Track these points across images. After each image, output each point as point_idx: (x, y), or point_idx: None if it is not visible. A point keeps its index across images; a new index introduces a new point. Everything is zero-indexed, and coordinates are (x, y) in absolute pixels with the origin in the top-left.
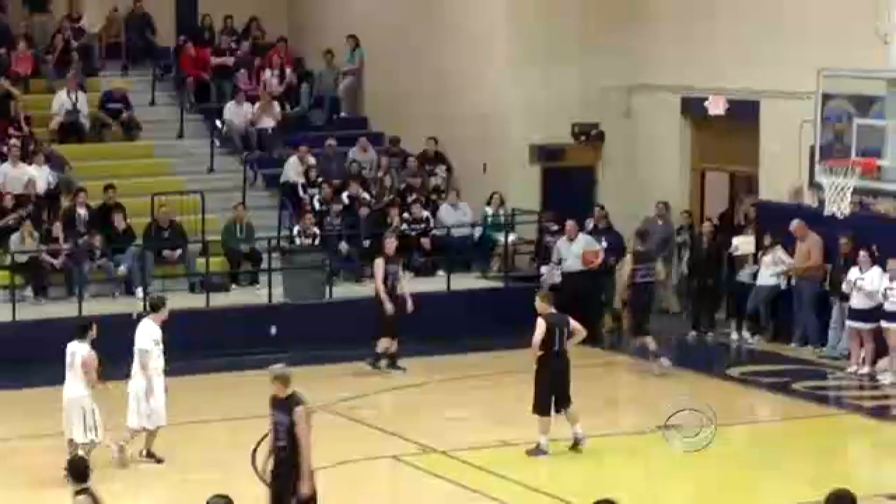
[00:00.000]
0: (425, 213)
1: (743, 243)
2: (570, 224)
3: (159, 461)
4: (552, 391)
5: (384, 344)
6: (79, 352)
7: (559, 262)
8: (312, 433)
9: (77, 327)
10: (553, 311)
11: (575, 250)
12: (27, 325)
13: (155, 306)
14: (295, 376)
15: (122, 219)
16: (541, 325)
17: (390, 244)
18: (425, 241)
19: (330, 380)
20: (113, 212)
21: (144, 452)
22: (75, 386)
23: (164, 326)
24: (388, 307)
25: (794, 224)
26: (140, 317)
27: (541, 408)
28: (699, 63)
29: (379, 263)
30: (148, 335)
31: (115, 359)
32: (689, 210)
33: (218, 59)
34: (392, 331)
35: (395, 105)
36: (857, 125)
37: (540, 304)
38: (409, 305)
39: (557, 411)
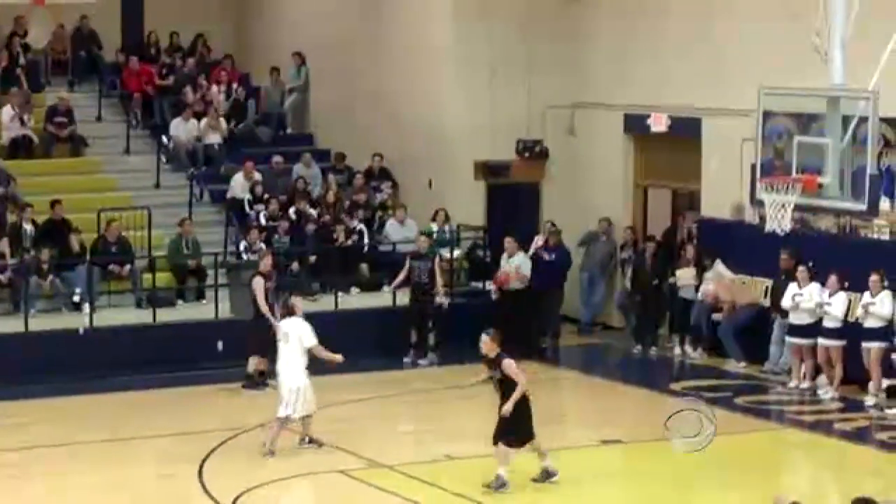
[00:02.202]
0: (358, 225)
1: (686, 276)
2: (507, 241)
3: (319, 444)
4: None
5: (255, 363)
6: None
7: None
8: None
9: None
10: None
11: (511, 267)
12: None
13: (293, 309)
14: (242, 392)
15: (76, 241)
16: (512, 363)
17: (266, 262)
18: (357, 252)
19: (276, 395)
20: (65, 231)
21: (271, 444)
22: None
23: None
24: (276, 325)
25: (708, 289)
26: (86, 331)
27: (521, 441)
28: (641, 81)
29: (259, 282)
30: (308, 335)
31: (62, 372)
32: (632, 226)
33: (159, 82)
34: (265, 349)
35: (342, 122)
36: (797, 143)
37: (490, 345)
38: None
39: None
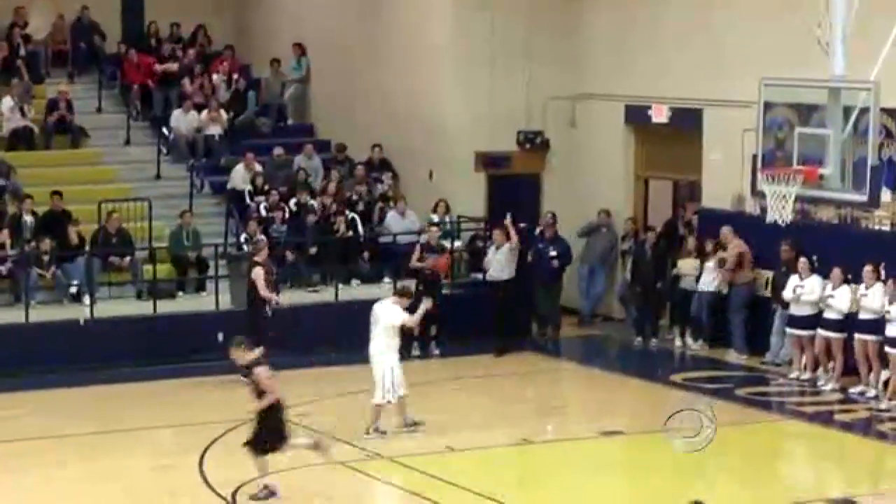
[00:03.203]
0: (351, 214)
1: (687, 267)
2: (496, 232)
3: (418, 424)
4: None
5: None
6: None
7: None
8: None
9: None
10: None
11: (499, 258)
12: None
13: (404, 293)
14: (242, 383)
15: (75, 232)
16: (262, 372)
17: (263, 252)
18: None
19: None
20: (65, 222)
21: (405, 421)
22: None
23: None
24: (280, 300)
25: (723, 230)
26: (87, 323)
27: (265, 449)
28: (642, 72)
29: (259, 273)
30: (396, 315)
31: (62, 364)
32: (633, 218)
33: (163, 66)
34: (261, 340)
35: (342, 113)
36: (798, 134)
37: (240, 353)
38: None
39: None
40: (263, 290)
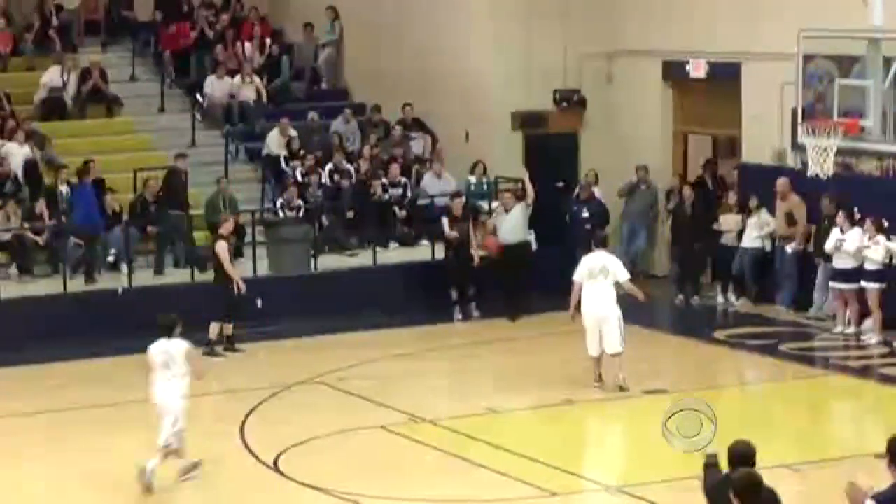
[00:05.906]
0: (402, 179)
1: (729, 223)
2: (506, 195)
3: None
4: None
5: (228, 328)
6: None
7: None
8: None
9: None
10: None
11: (512, 218)
12: (12, 303)
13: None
14: (282, 349)
15: (112, 200)
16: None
17: (227, 226)
18: (401, 210)
19: (316, 351)
20: (104, 193)
21: (623, 380)
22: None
23: None
24: (243, 287)
25: (780, 181)
26: (125, 291)
27: None
28: (679, 27)
29: (223, 246)
30: (623, 270)
31: (101, 333)
32: (680, 174)
33: (197, 33)
34: (230, 313)
35: (376, 76)
36: (838, 85)
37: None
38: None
39: None
40: (229, 268)
